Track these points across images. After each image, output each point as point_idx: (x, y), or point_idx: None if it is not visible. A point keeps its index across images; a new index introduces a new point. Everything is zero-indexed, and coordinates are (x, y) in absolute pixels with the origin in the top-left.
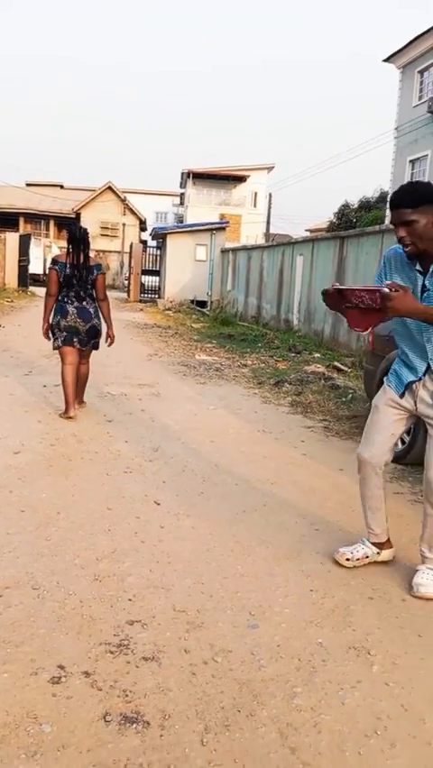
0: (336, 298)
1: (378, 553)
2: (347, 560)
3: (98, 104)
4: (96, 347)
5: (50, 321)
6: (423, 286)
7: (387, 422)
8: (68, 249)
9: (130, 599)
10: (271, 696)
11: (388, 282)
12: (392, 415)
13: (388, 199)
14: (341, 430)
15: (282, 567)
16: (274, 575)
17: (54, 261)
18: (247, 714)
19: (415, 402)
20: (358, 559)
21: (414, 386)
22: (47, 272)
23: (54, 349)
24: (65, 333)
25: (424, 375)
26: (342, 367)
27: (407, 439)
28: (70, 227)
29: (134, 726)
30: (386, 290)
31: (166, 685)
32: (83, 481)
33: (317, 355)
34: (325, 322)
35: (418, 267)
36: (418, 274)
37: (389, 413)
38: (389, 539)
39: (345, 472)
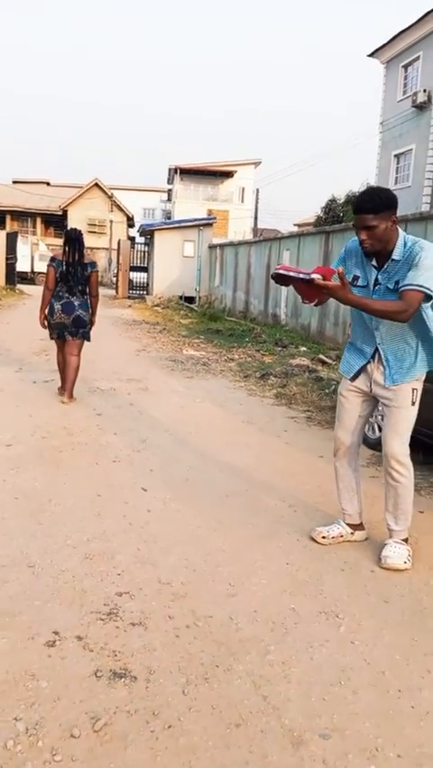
0: (283, 277)
1: (352, 533)
2: (323, 537)
3: (88, 100)
4: (85, 337)
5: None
6: (376, 280)
7: (351, 405)
8: (64, 248)
9: (119, 574)
10: (247, 653)
11: (340, 270)
12: (354, 397)
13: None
14: (323, 420)
15: (261, 544)
16: (253, 551)
17: (52, 259)
18: (225, 669)
19: (370, 384)
20: (333, 537)
21: (369, 368)
22: (46, 269)
23: (51, 339)
24: (56, 330)
25: (372, 358)
26: (326, 360)
27: None
28: (66, 229)
29: (123, 680)
30: (316, 276)
31: (152, 646)
32: (73, 471)
33: (304, 349)
34: (312, 316)
35: (373, 263)
36: (373, 269)
37: (350, 397)
38: (362, 522)
39: (325, 459)
